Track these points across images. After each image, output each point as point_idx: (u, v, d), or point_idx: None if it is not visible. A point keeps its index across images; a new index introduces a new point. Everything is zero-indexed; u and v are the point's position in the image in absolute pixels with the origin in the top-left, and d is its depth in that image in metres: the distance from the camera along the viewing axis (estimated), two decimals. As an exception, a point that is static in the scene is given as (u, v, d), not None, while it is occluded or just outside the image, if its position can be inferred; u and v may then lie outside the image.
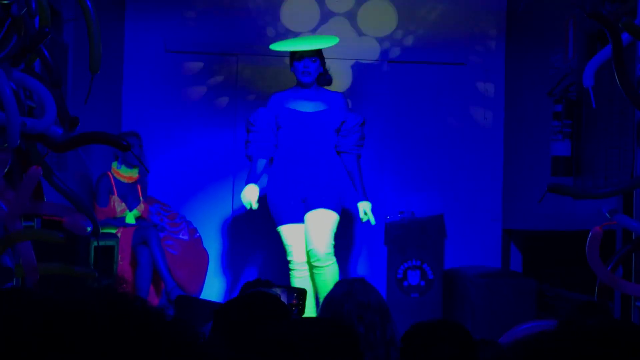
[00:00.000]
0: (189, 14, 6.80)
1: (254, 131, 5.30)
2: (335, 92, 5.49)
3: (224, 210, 6.76)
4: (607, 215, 3.95)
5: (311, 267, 5.19)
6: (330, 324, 1.94)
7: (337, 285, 2.91)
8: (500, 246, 6.81)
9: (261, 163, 5.33)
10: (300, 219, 5.24)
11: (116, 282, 0.88)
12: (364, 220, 5.44)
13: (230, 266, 6.71)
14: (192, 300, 5.46)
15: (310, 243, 5.14)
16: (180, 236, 6.32)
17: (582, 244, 3.95)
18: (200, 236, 6.50)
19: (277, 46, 5.49)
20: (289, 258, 5.27)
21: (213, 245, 6.67)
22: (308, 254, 5.17)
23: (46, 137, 3.73)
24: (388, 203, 6.73)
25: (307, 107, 5.27)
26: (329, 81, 5.39)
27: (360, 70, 6.82)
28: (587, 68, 3.85)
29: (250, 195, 5.23)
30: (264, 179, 5.57)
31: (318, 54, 5.31)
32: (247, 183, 5.31)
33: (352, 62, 6.82)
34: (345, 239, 6.75)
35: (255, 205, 5.25)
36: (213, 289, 6.53)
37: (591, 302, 3.03)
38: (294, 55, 5.28)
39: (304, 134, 5.24)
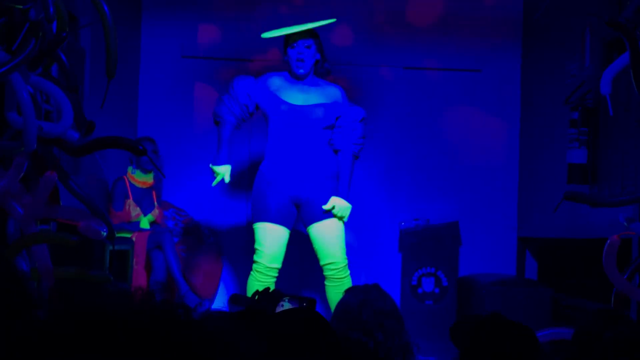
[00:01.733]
0: (205, 20, 6.82)
1: (229, 94, 4.88)
2: (334, 84, 4.96)
3: (239, 215, 6.77)
4: (624, 223, 3.92)
5: (325, 279, 4.91)
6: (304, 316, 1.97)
7: (349, 293, 2.76)
8: (515, 254, 6.79)
9: (229, 127, 4.90)
10: (286, 223, 4.81)
11: (162, 290, 0.88)
12: (327, 209, 4.79)
13: (244, 272, 6.71)
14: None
15: (327, 257, 4.80)
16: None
17: (598, 253, 3.93)
18: (214, 241, 6.51)
19: (269, 33, 4.92)
20: (258, 259, 4.77)
21: (227, 250, 6.67)
22: (324, 268, 4.84)
23: (62, 141, 3.75)
24: (403, 210, 6.72)
25: (300, 99, 4.79)
26: (327, 71, 4.89)
27: (375, 76, 6.82)
28: (605, 75, 3.83)
29: (224, 170, 4.85)
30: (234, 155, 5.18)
31: (314, 38, 4.80)
32: (218, 156, 4.87)
33: (367, 68, 6.82)
34: (359, 245, 6.74)
35: (227, 179, 4.88)
36: (228, 294, 6.53)
37: (610, 311, 3.00)
38: (288, 42, 4.80)
39: (296, 129, 4.76)
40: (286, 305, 2.76)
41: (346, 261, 4.85)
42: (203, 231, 6.45)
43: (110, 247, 5.16)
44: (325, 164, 4.85)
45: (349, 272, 4.88)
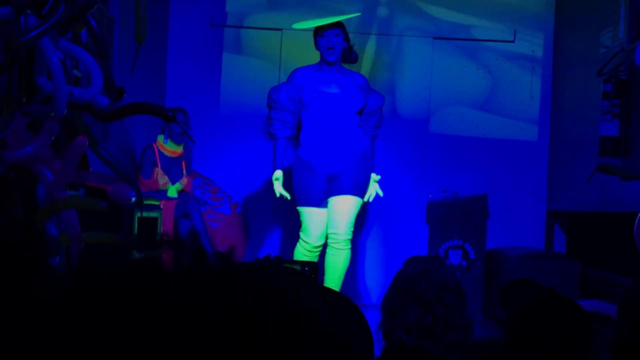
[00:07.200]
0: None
1: (276, 108, 5.19)
2: (357, 73, 5.40)
3: (266, 186, 6.77)
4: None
5: (326, 247, 5.21)
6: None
7: (410, 262, 2.64)
8: (544, 227, 6.74)
9: (284, 143, 5.22)
10: (324, 204, 5.19)
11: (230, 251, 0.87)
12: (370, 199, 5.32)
13: (271, 242, 6.72)
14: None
15: (332, 227, 5.13)
16: (222, 210, 6.33)
17: (629, 227, 3.88)
18: (241, 211, 6.52)
19: (300, 25, 5.39)
20: (305, 239, 5.16)
21: (253, 221, 6.68)
22: (328, 236, 5.16)
23: (92, 107, 3.74)
24: (431, 181, 6.69)
25: (332, 87, 5.18)
26: (354, 59, 5.28)
27: (406, 46, 6.76)
28: (640, 45, 3.76)
29: (279, 187, 5.18)
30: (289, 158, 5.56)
31: (340, 27, 5.21)
32: (273, 169, 5.22)
33: (398, 38, 6.77)
34: (387, 218, 6.72)
35: (287, 195, 5.20)
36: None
37: None
38: (317, 32, 5.21)
39: (331, 114, 5.15)
40: None
41: (349, 236, 5.15)
42: (230, 201, 6.46)
43: (139, 214, 5.18)
44: (356, 145, 5.20)
45: (349, 246, 5.18)
